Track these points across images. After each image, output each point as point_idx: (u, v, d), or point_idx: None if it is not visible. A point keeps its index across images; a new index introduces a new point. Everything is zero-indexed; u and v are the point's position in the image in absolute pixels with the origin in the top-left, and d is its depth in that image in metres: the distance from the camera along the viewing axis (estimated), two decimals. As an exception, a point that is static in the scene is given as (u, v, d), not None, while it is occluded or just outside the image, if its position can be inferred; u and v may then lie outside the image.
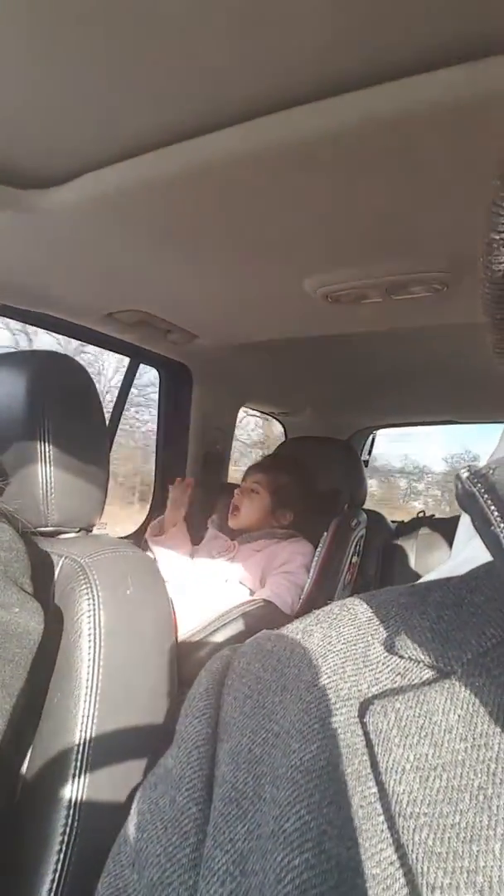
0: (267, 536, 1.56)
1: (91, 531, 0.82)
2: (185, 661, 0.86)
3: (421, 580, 0.41)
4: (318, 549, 1.53)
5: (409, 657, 0.28)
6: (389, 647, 0.29)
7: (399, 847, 0.21)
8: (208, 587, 1.43)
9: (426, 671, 0.27)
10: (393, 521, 2.11)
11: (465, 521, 0.55)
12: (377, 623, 0.32)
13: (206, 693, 0.32)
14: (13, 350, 0.82)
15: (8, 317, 1.20)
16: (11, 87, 0.57)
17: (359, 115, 0.56)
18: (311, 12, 0.46)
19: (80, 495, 0.77)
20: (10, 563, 0.63)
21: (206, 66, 0.53)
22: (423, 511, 2.08)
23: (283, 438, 2.42)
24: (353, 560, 1.61)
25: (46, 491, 0.72)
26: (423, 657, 0.27)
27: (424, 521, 1.98)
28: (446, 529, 1.83)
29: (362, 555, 1.71)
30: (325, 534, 1.57)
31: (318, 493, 1.72)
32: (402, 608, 0.32)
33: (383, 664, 0.29)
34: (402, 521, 2.06)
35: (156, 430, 1.84)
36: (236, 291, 1.11)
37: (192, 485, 1.62)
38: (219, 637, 1.04)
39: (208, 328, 1.36)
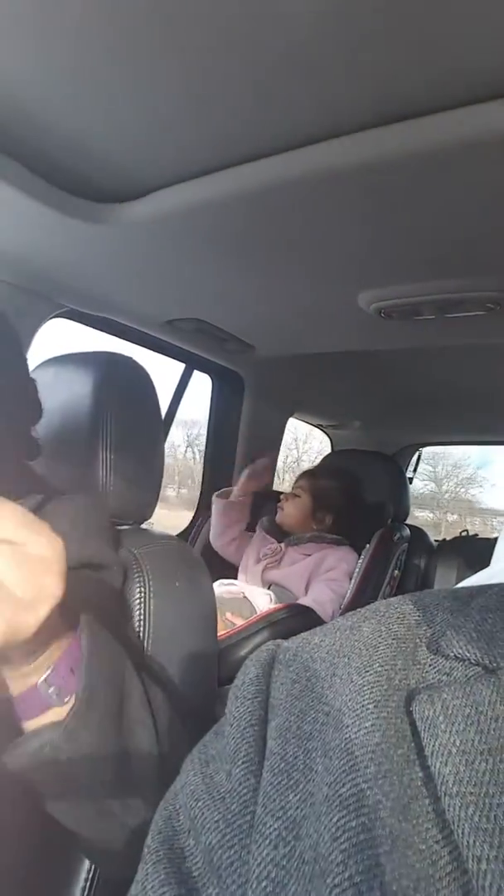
0: (315, 540, 1.60)
1: (143, 524, 0.86)
2: (224, 659, 0.89)
3: (459, 585, 0.42)
4: (361, 560, 1.55)
5: (455, 656, 0.30)
6: (435, 649, 0.31)
7: (444, 827, 0.23)
8: (251, 593, 1.47)
9: (471, 669, 0.28)
10: (435, 540, 2.10)
11: None
12: (425, 625, 0.33)
13: (256, 679, 0.34)
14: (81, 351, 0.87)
15: (73, 320, 1.26)
16: (93, 107, 0.61)
17: (421, 140, 0.58)
18: (379, 33, 0.48)
19: (136, 489, 0.81)
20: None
21: (276, 89, 0.56)
22: (467, 530, 2.06)
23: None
24: (395, 574, 1.62)
25: (106, 482, 0.77)
26: (468, 655, 0.29)
27: (467, 540, 1.96)
28: (488, 550, 1.80)
29: (403, 569, 1.71)
30: (368, 546, 1.58)
31: (362, 504, 1.74)
32: (446, 612, 0.34)
33: (430, 665, 0.30)
34: (444, 539, 2.05)
35: (205, 436, 1.89)
36: (293, 304, 1.14)
37: (269, 465, 1.71)
38: (258, 639, 1.07)
39: (263, 339, 1.40)
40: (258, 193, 0.70)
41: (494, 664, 0.28)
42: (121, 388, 0.81)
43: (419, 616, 0.34)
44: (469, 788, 0.23)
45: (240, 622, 1.22)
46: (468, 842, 0.21)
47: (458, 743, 0.24)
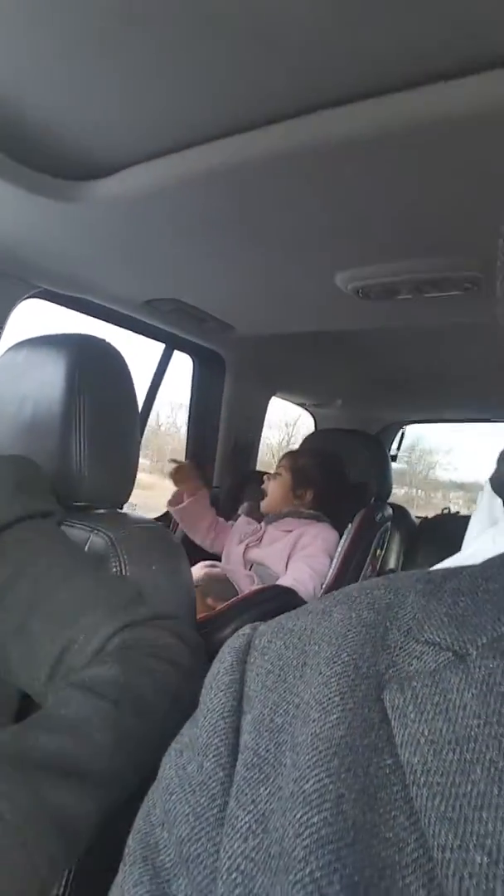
0: (293, 516, 1.61)
1: (121, 509, 0.86)
2: (206, 640, 0.89)
3: (433, 568, 0.42)
4: (343, 539, 1.56)
5: (426, 640, 0.29)
6: (406, 633, 0.31)
7: (412, 814, 0.23)
8: (233, 575, 1.47)
9: (442, 654, 0.28)
10: (417, 517, 2.12)
11: (478, 516, 0.57)
12: (395, 609, 0.33)
13: (231, 668, 0.34)
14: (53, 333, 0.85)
15: (52, 301, 1.24)
16: (63, 83, 0.59)
17: (398, 117, 0.57)
18: (353, 6, 0.47)
19: (111, 473, 0.81)
20: None
21: (248, 65, 0.55)
22: (448, 508, 2.08)
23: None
24: (378, 553, 1.64)
25: (80, 466, 0.76)
26: (439, 640, 0.29)
27: (448, 518, 1.98)
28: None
29: (385, 548, 1.72)
30: (350, 525, 1.59)
31: (343, 480, 1.75)
32: (419, 595, 0.33)
33: (401, 648, 0.30)
34: (426, 517, 2.07)
35: (187, 417, 1.88)
36: (270, 284, 1.13)
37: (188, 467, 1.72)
38: (237, 623, 1.07)
39: (242, 319, 1.39)
40: (230, 170, 0.69)
41: (464, 650, 0.28)
42: (94, 371, 0.80)
43: (390, 599, 0.34)
44: (436, 778, 0.23)
45: (220, 604, 1.22)
46: (434, 831, 0.22)
47: (426, 732, 0.25)
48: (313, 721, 0.28)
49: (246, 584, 1.46)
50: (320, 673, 0.30)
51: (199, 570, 1.52)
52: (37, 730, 0.52)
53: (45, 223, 0.86)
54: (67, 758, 0.50)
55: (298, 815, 0.24)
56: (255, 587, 1.39)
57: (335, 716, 0.27)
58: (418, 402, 2.35)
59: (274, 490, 1.70)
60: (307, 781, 0.25)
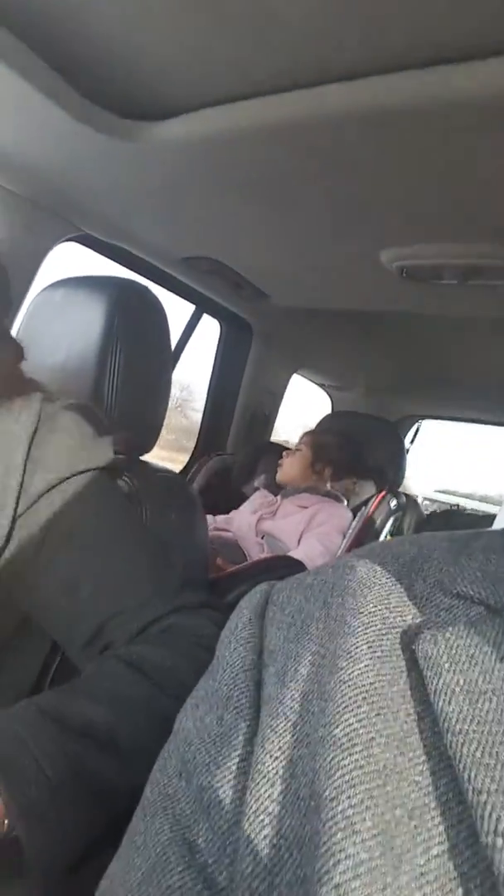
0: (311, 492, 1.62)
1: (144, 455, 0.86)
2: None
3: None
4: (356, 520, 1.57)
5: (457, 594, 0.30)
6: (434, 585, 0.32)
7: (441, 759, 0.24)
8: (244, 541, 1.49)
9: (474, 608, 0.29)
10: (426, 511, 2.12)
11: None
12: (421, 562, 0.34)
13: (249, 623, 0.35)
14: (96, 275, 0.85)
15: (88, 246, 1.23)
16: (135, 20, 0.58)
17: (464, 87, 0.55)
18: None
19: (139, 419, 0.81)
20: None
21: (320, 21, 0.53)
22: (458, 504, 2.08)
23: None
24: (388, 538, 1.64)
25: (109, 409, 0.76)
26: (472, 594, 0.29)
27: (455, 514, 1.98)
28: (475, 522, 1.83)
29: (395, 535, 1.73)
30: (364, 508, 1.60)
31: (361, 460, 1.76)
32: (445, 552, 0.34)
33: (427, 599, 0.31)
34: (435, 511, 2.07)
35: (208, 382, 1.88)
36: (313, 254, 1.11)
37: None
38: (245, 587, 1.08)
39: (279, 288, 1.37)
40: (290, 126, 0.68)
41: (500, 604, 0.28)
42: (132, 316, 0.79)
43: (415, 553, 0.35)
44: (472, 726, 0.23)
45: (229, 568, 1.23)
46: (469, 775, 0.22)
47: (461, 682, 0.25)
48: (340, 669, 0.28)
49: (256, 552, 1.47)
50: (345, 623, 0.31)
51: (210, 533, 1.53)
52: (81, 697, 0.53)
53: (99, 162, 0.84)
54: (108, 731, 0.51)
55: (329, 758, 0.25)
56: (265, 555, 1.40)
57: (363, 664, 0.28)
58: (441, 396, 2.32)
59: (292, 463, 1.72)
60: (337, 726, 0.26)
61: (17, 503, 0.62)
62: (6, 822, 0.45)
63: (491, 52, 0.53)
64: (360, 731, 0.25)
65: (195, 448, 1.87)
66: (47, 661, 0.68)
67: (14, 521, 0.61)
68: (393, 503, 1.63)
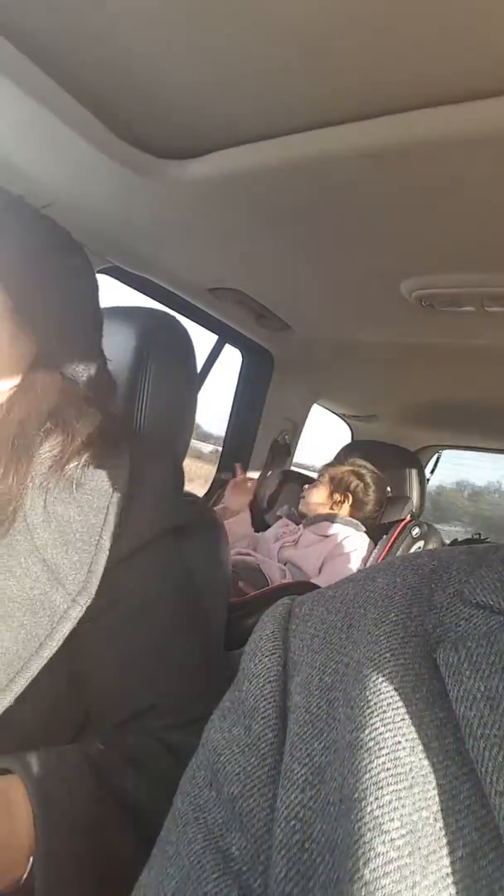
0: (330, 520, 1.62)
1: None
2: (233, 625, 0.90)
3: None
4: (377, 548, 1.57)
5: (477, 603, 0.31)
6: (453, 595, 0.32)
7: (464, 764, 0.25)
8: (265, 565, 1.49)
9: (493, 618, 0.30)
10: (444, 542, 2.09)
11: None
12: (440, 573, 0.35)
13: (273, 635, 0.36)
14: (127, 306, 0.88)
15: (115, 278, 1.27)
16: (168, 60, 0.61)
17: (478, 124, 0.58)
18: (445, 16, 0.48)
19: (167, 445, 0.83)
20: None
21: (338, 63, 0.56)
22: (479, 534, 2.06)
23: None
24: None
25: (139, 432, 0.78)
26: (492, 603, 0.30)
27: (479, 542, 1.96)
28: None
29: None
30: (385, 537, 1.59)
31: (380, 488, 1.77)
32: (463, 563, 0.35)
33: (447, 609, 0.32)
34: (456, 539, 2.05)
35: (230, 410, 1.90)
36: (334, 286, 1.14)
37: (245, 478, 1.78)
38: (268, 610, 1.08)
39: (300, 319, 1.40)
40: (309, 163, 0.70)
41: None
42: (163, 345, 0.82)
43: (434, 565, 0.36)
44: (493, 731, 0.24)
45: (251, 591, 1.24)
46: (492, 779, 0.23)
47: (482, 689, 0.26)
48: (365, 677, 0.29)
49: (278, 577, 1.47)
50: (368, 633, 0.32)
51: (232, 557, 1.54)
52: (130, 764, 0.52)
53: (128, 197, 0.88)
54: (136, 805, 0.51)
55: (357, 762, 0.26)
56: (287, 580, 1.41)
57: (387, 671, 0.29)
58: (462, 426, 2.31)
59: (313, 496, 1.75)
60: (363, 731, 0.27)
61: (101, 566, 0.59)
62: (31, 860, 0.44)
63: (502, 91, 0.55)
64: (387, 736, 0.26)
65: (214, 477, 1.89)
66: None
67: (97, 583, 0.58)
68: (415, 531, 1.62)
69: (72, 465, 0.61)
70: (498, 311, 1.03)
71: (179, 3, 0.53)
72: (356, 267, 1.01)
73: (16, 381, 0.61)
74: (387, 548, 1.56)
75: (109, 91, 0.68)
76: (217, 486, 1.82)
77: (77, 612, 0.56)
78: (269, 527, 1.79)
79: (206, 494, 1.78)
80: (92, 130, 0.72)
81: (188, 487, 0.79)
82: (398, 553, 1.56)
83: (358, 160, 0.68)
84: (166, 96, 0.68)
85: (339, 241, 0.92)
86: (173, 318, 0.85)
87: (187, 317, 1.49)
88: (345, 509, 1.71)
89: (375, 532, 1.67)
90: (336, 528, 1.61)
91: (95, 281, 0.71)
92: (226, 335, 1.66)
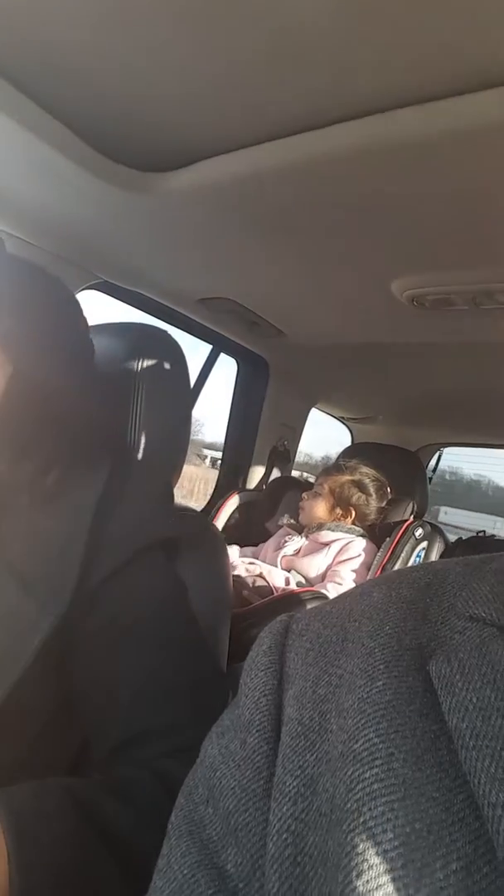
0: (333, 529, 1.61)
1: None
2: (238, 637, 0.89)
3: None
4: (380, 552, 1.56)
5: (470, 616, 0.31)
6: (448, 609, 0.32)
7: (457, 776, 0.24)
8: (269, 574, 1.48)
9: (486, 629, 0.29)
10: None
11: None
12: (435, 587, 0.35)
13: (270, 650, 0.36)
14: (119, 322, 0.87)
15: (106, 293, 1.27)
16: (145, 73, 0.61)
17: (464, 120, 0.57)
18: (424, 13, 0.48)
19: (160, 456, 0.82)
20: None
21: (324, 62, 0.55)
22: (484, 531, 2.05)
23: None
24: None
25: (133, 447, 0.78)
26: (484, 615, 0.30)
27: (483, 540, 1.95)
28: (502, 549, 1.80)
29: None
30: (389, 539, 1.59)
31: (383, 497, 1.75)
32: (458, 576, 0.35)
33: (442, 623, 0.32)
34: (461, 538, 2.04)
35: (227, 419, 1.90)
36: (325, 289, 1.13)
37: None
38: (272, 619, 1.07)
39: (293, 324, 1.40)
40: (296, 167, 0.70)
41: None
42: (154, 360, 0.81)
43: (430, 579, 0.36)
44: (486, 742, 0.24)
45: (256, 601, 1.23)
46: (485, 790, 0.23)
47: (474, 700, 0.26)
48: (359, 688, 0.29)
49: (282, 584, 1.46)
50: (363, 645, 0.32)
51: (238, 565, 1.53)
52: (115, 798, 0.51)
53: (113, 213, 0.88)
54: (125, 840, 0.49)
55: (349, 772, 0.25)
56: (291, 588, 1.40)
57: (381, 682, 0.29)
58: (461, 423, 2.32)
59: (313, 508, 1.70)
60: (356, 741, 0.26)
61: (78, 580, 0.58)
62: None
63: (493, 84, 0.54)
64: (380, 746, 0.26)
65: (217, 484, 1.88)
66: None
67: (73, 599, 0.58)
68: (418, 532, 1.61)
69: (48, 480, 0.62)
70: (491, 308, 1.03)
71: (153, 17, 0.53)
72: (346, 269, 1.00)
73: None
74: (390, 549, 1.55)
75: (87, 108, 0.68)
76: (218, 497, 1.82)
77: (49, 623, 0.55)
78: (270, 535, 1.77)
79: (204, 509, 1.77)
80: (73, 148, 0.72)
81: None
82: (402, 554, 1.55)
83: (343, 162, 0.67)
84: (145, 110, 0.67)
85: (328, 244, 0.91)
86: (164, 331, 0.85)
87: (180, 328, 1.49)
88: (347, 522, 1.68)
89: (379, 534, 1.65)
90: (337, 535, 1.60)
91: (75, 300, 0.73)
92: (220, 344, 1.66)
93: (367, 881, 0.22)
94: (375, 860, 0.22)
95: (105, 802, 0.50)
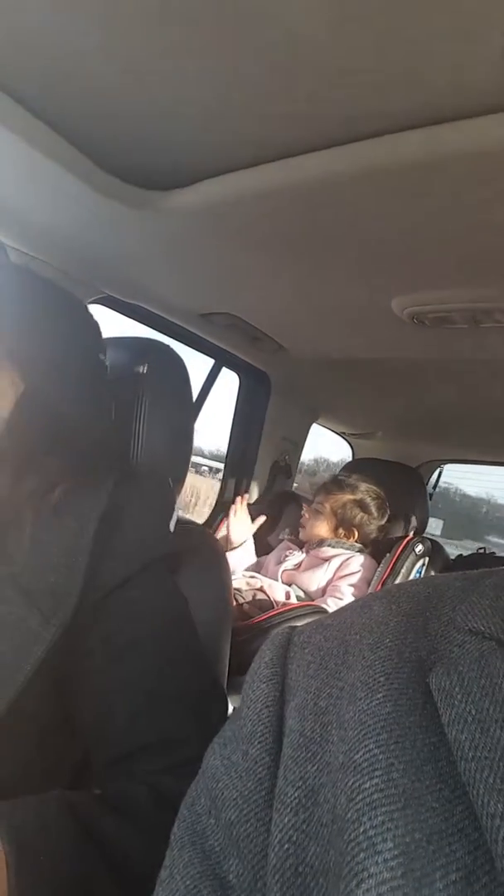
0: (334, 545, 1.61)
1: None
2: (239, 650, 0.89)
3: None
4: (380, 568, 1.56)
5: (469, 630, 0.31)
6: (447, 623, 0.33)
7: (456, 787, 0.24)
8: (270, 587, 1.48)
9: (485, 643, 0.30)
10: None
11: None
12: (435, 601, 0.35)
13: (271, 662, 0.36)
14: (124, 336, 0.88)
15: (111, 308, 1.28)
16: (151, 93, 0.62)
17: (463, 144, 0.58)
18: (427, 37, 0.49)
19: (163, 469, 0.83)
20: None
21: (325, 88, 0.56)
22: (484, 548, 2.05)
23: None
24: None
25: (136, 460, 0.78)
26: (483, 629, 0.30)
27: (482, 557, 1.95)
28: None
29: (420, 581, 1.71)
30: (389, 555, 1.59)
31: (384, 514, 1.74)
32: (457, 590, 0.35)
33: (441, 636, 0.32)
34: (461, 555, 2.03)
35: (229, 433, 1.90)
36: (327, 306, 1.14)
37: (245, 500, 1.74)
38: (274, 633, 1.07)
39: (295, 340, 1.41)
40: (298, 188, 0.71)
41: None
42: (157, 374, 0.82)
43: (429, 593, 0.36)
44: (484, 753, 0.24)
45: (257, 614, 1.23)
46: (483, 801, 0.23)
47: (473, 712, 0.26)
48: (359, 699, 0.29)
49: (283, 598, 1.46)
50: (363, 657, 0.32)
51: (237, 579, 1.53)
52: (114, 813, 0.51)
53: (118, 230, 0.89)
54: (122, 854, 0.49)
55: (350, 783, 0.26)
56: (292, 602, 1.40)
57: (381, 694, 0.29)
58: (462, 440, 2.32)
59: (314, 527, 1.69)
60: (357, 752, 0.27)
61: (81, 593, 0.58)
62: None
63: (496, 109, 0.55)
64: (380, 757, 0.26)
65: (219, 498, 1.88)
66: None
67: (75, 612, 0.58)
68: (418, 548, 1.61)
69: (54, 495, 0.63)
70: (491, 326, 1.03)
71: (158, 39, 0.54)
72: (347, 286, 1.01)
73: (3, 415, 0.62)
74: (390, 565, 1.55)
75: (93, 125, 0.69)
76: (220, 511, 1.82)
77: (51, 633, 0.56)
78: (271, 549, 1.77)
79: (205, 523, 1.77)
80: (78, 165, 0.73)
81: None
82: (402, 570, 1.55)
83: (345, 184, 0.68)
84: (149, 129, 0.69)
85: (329, 262, 0.92)
86: (167, 346, 0.86)
87: (183, 342, 1.50)
88: (350, 541, 1.68)
89: (380, 549, 1.65)
90: (337, 551, 1.60)
91: (93, 321, 0.74)
92: (222, 359, 1.67)
93: (367, 890, 0.22)
94: (375, 869, 0.22)
95: (105, 817, 0.50)
